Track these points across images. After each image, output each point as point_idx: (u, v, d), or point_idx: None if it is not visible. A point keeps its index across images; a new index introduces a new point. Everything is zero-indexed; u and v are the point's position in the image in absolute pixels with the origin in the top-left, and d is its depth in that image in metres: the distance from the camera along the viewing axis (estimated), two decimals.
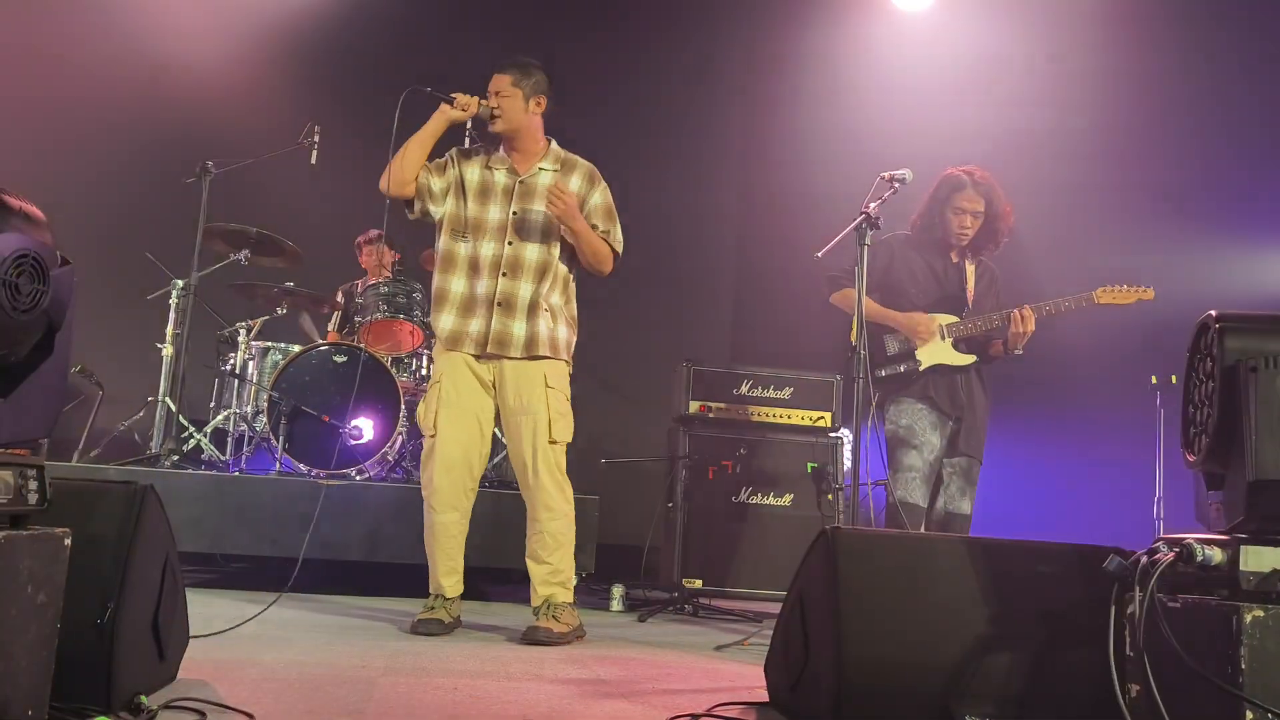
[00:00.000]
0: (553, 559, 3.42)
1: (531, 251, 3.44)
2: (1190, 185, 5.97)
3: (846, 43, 6.67)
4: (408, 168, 3.41)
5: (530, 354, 3.41)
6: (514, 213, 3.45)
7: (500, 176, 3.50)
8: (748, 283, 7.11)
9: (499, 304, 3.40)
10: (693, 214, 6.90)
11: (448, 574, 3.46)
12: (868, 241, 3.53)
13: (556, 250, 3.48)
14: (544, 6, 6.89)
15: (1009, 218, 4.07)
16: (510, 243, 3.43)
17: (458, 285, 3.47)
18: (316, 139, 5.17)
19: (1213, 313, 1.88)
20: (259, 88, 6.41)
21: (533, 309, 3.42)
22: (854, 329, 3.57)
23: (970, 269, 4.13)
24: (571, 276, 3.57)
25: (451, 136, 3.59)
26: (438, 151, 3.54)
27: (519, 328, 3.40)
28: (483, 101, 3.42)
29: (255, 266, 5.34)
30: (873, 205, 3.53)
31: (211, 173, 5.00)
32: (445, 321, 3.46)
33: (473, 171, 3.51)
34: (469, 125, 3.68)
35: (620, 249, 3.58)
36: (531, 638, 3.28)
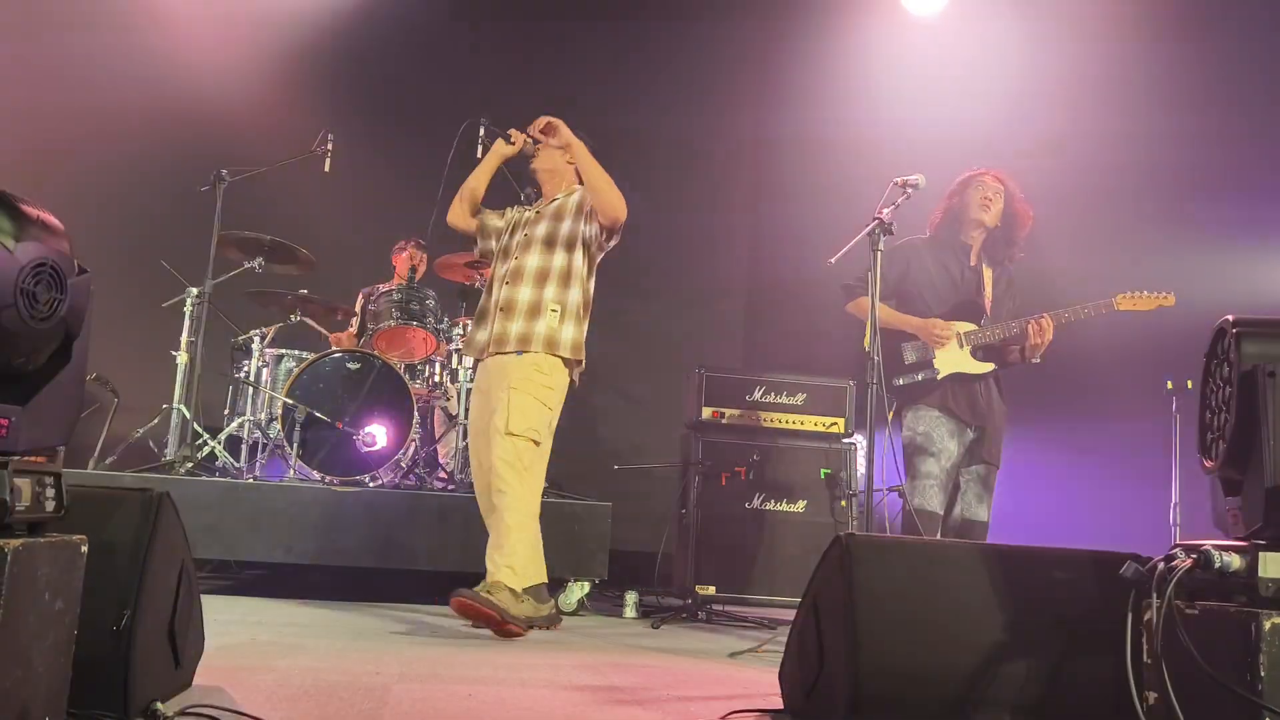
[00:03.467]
0: (498, 538, 3.54)
1: (531, 260, 3.78)
2: (1209, 188, 5.94)
3: (859, 48, 6.66)
4: (468, 203, 3.95)
5: (522, 348, 3.68)
6: (524, 234, 3.87)
7: (527, 213, 3.96)
8: (760, 288, 7.10)
9: (501, 309, 3.75)
10: (705, 220, 6.91)
11: None
12: (880, 247, 3.53)
13: (555, 257, 3.77)
14: (555, 14, 6.90)
15: (1027, 220, 4.05)
16: (515, 257, 3.81)
17: (483, 302, 3.90)
18: (330, 147, 5.20)
19: (1229, 317, 1.87)
20: (272, 96, 6.44)
21: (533, 311, 3.71)
22: (868, 335, 3.56)
23: (988, 273, 4.11)
24: (578, 269, 3.78)
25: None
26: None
27: (514, 326, 3.71)
28: (527, 139, 3.92)
29: (269, 274, 5.36)
30: (885, 211, 3.53)
31: (226, 181, 5.02)
32: (470, 333, 3.91)
33: (516, 214, 4.00)
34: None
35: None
36: (455, 592, 3.34)
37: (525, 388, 3.63)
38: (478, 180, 3.94)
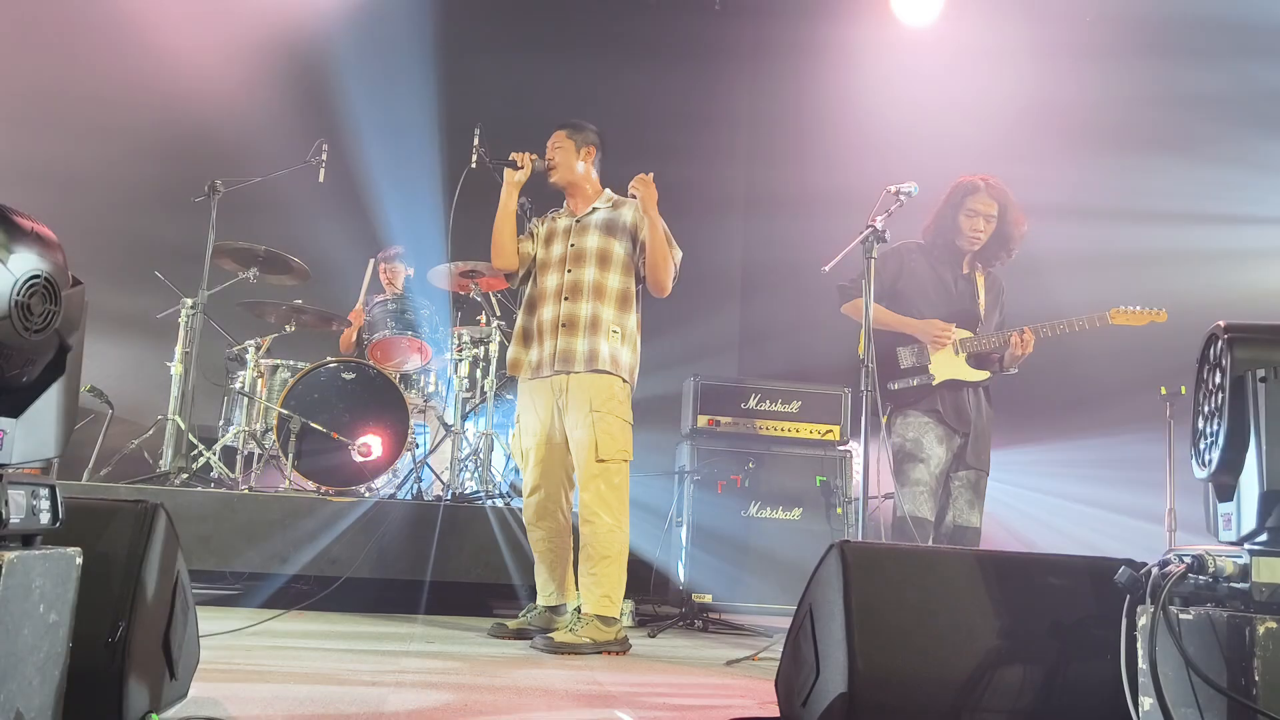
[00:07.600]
0: (596, 569, 3.57)
1: (587, 275, 3.69)
2: (1200, 194, 5.96)
3: (852, 57, 6.68)
4: (506, 242, 3.80)
5: (591, 367, 3.62)
6: (571, 245, 3.77)
7: (562, 222, 3.86)
8: (755, 296, 7.11)
9: (563, 325, 3.66)
10: (699, 226, 6.91)
11: (541, 583, 3.78)
12: (874, 255, 3.54)
13: (611, 277, 3.71)
14: (548, 25, 6.92)
15: (1021, 226, 4.06)
16: (569, 270, 3.71)
17: (527, 320, 3.81)
18: (324, 157, 5.21)
19: (1221, 323, 1.87)
20: (267, 107, 6.45)
21: (594, 326, 3.65)
22: (861, 341, 3.56)
23: (980, 280, 4.12)
24: (633, 294, 3.77)
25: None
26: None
27: (581, 344, 3.63)
28: (534, 157, 3.82)
29: (264, 284, 5.36)
30: (878, 219, 3.54)
31: (220, 191, 5.02)
32: (516, 353, 3.80)
33: (543, 227, 3.90)
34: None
35: (678, 261, 3.77)
36: (536, 644, 3.48)
37: (607, 408, 3.60)
38: (505, 223, 3.79)
